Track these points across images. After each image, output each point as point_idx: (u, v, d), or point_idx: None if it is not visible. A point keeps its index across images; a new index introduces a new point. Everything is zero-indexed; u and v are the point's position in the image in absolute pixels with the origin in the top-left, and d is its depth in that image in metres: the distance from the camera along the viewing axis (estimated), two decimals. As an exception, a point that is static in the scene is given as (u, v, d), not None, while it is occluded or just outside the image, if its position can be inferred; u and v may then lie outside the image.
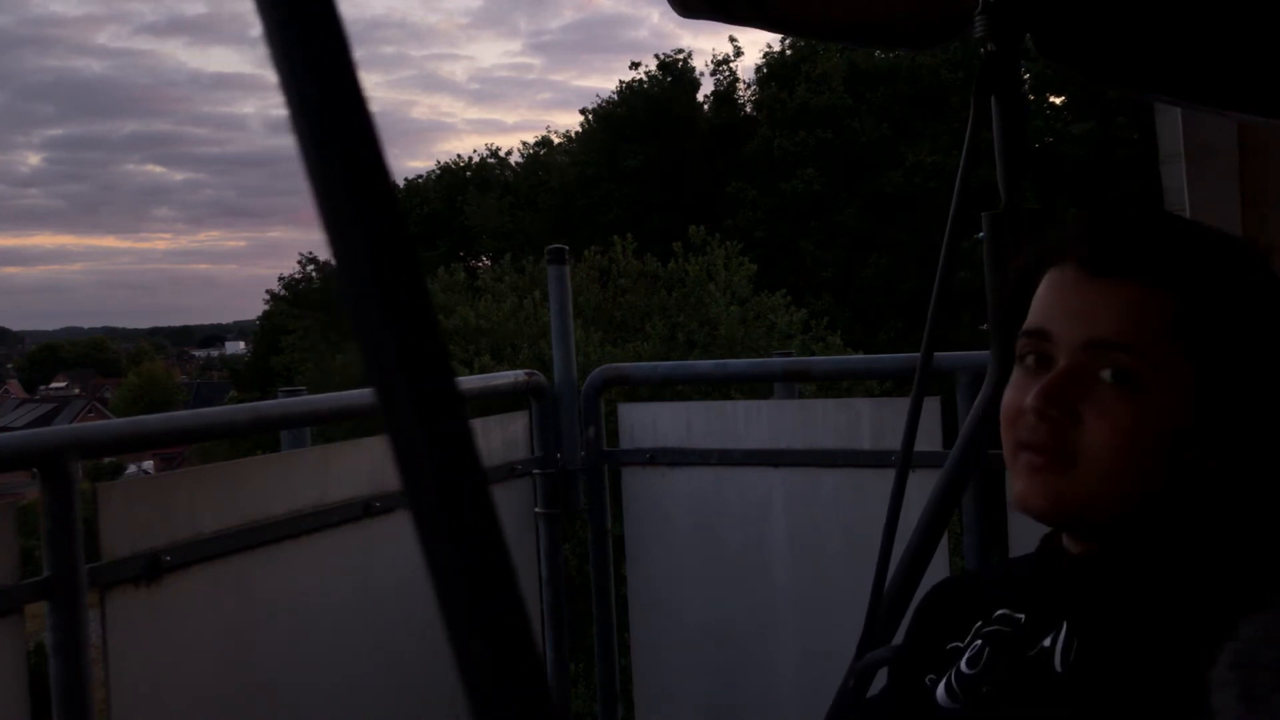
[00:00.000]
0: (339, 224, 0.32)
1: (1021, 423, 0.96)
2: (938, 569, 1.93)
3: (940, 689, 1.06)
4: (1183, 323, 0.93)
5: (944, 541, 2.09)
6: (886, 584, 1.72)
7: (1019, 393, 0.98)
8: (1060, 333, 0.96)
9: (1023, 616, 1.03)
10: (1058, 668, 0.95)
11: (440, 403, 0.32)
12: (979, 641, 1.05)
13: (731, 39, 29.55)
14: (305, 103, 0.32)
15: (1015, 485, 0.98)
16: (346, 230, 0.32)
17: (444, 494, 0.32)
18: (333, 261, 0.33)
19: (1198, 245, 0.97)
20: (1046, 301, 0.99)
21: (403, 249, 0.32)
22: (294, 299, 26.94)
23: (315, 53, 0.32)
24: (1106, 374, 0.93)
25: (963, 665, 1.05)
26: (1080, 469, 0.93)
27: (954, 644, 1.09)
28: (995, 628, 1.05)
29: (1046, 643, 0.97)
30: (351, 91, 0.32)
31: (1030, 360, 0.99)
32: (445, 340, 0.33)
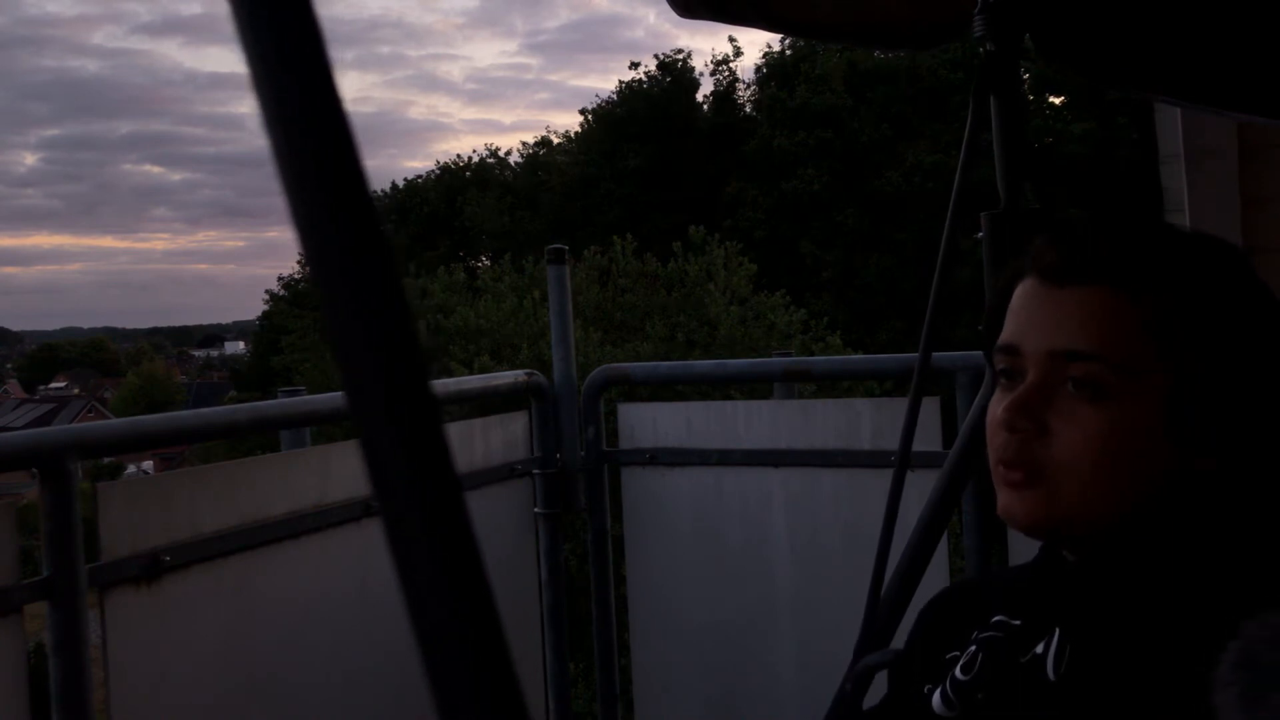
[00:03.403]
0: (312, 228, 0.31)
1: (998, 438, 0.97)
2: (937, 571, 1.93)
3: (936, 696, 1.06)
4: (1151, 324, 0.92)
5: (943, 543, 2.09)
6: (885, 585, 1.72)
7: (996, 407, 0.98)
8: (1026, 346, 0.96)
9: (1019, 623, 1.03)
10: (1050, 675, 0.95)
11: (415, 410, 0.31)
12: (973, 647, 1.05)
13: (731, 39, 29.58)
14: (279, 103, 0.31)
15: (998, 500, 0.98)
16: (320, 234, 0.31)
17: (417, 505, 0.31)
18: (307, 265, 0.32)
19: (1161, 246, 0.96)
20: (1014, 316, 0.99)
21: (379, 254, 0.31)
22: (293, 299, 26.89)
23: (290, 51, 0.32)
24: (1070, 384, 0.92)
25: (957, 672, 1.05)
26: (1056, 481, 0.93)
27: (953, 653, 1.09)
28: (990, 634, 1.05)
29: (1039, 649, 0.97)
30: (326, 90, 0.32)
31: (1005, 376, 0.99)
32: (423, 345, 0.32)
